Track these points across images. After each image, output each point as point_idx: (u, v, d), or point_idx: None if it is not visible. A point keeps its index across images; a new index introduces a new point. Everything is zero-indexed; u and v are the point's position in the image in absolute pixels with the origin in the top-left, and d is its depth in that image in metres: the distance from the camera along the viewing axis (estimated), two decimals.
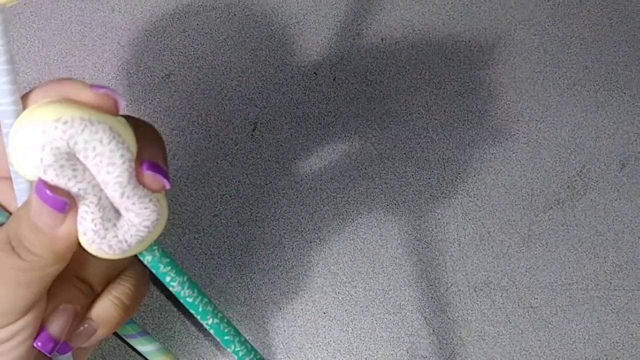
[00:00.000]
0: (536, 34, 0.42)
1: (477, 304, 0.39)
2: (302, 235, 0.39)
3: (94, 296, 0.28)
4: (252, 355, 0.29)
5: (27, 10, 0.41)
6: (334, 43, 0.42)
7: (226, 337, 0.29)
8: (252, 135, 0.40)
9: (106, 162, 0.23)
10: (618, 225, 0.40)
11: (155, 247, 0.26)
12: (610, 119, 0.42)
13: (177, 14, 0.42)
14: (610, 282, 0.39)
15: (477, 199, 0.40)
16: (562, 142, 0.41)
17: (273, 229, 0.39)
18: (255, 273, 0.39)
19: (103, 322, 0.28)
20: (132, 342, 0.33)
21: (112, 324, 0.28)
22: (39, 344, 0.26)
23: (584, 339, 0.38)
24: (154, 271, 0.26)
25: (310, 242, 0.39)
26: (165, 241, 0.39)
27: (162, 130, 0.40)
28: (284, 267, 0.39)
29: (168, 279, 0.26)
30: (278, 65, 0.42)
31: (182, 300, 0.27)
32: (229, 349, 0.29)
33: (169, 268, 0.26)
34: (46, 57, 0.41)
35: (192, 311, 0.27)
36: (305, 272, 0.39)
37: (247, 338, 0.38)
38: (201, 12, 0.42)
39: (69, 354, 0.27)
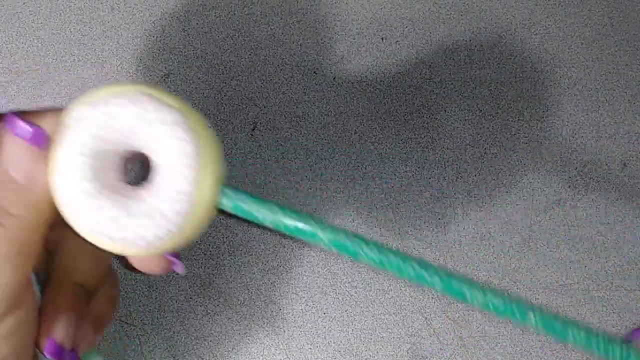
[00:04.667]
0: (537, 33, 0.42)
1: None
2: None
3: (89, 298, 0.28)
4: (383, 254, 0.24)
5: (26, 10, 0.41)
6: (334, 43, 0.42)
7: (351, 247, 0.24)
8: (251, 135, 0.40)
9: None
10: (619, 225, 0.40)
11: (226, 189, 0.24)
12: (612, 119, 0.41)
13: (177, 13, 0.42)
14: (612, 283, 0.39)
15: (478, 199, 0.40)
16: (563, 142, 0.41)
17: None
18: (255, 273, 0.39)
19: (100, 322, 0.28)
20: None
21: (107, 322, 0.28)
22: (48, 354, 0.25)
23: None
24: (242, 216, 0.24)
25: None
26: None
27: None
28: (284, 267, 0.39)
29: (257, 214, 0.24)
30: (278, 65, 0.42)
31: (286, 231, 0.24)
32: (359, 258, 0.25)
33: (252, 203, 0.24)
34: (45, 57, 0.41)
35: (301, 237, 0.24)
36: (305, 272, 0.39)
37: (247, 338, 0.38)
38: (201, 12, 0.42)
39: None
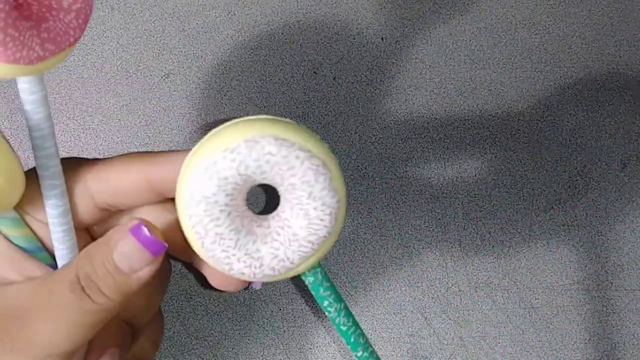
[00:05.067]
0: (537, 33, 0.42)
1: (478, 305, 0.39)
2: None
3: (135, 336, 0.28)
4: None
5: None
6: (334, 43, 0.42)
7: None
8: None
9: (287, 169, 0.23)
10: (619, 225, 0.40)
11: (318, 269, 0.25)
12: (612, 119, 0.41)
13: (177, 13, 0.42)
14: (612, 283, 0.39)
15: (478, 199, 0.40)
16: (563, 142, 0.41)
17: None
18: None
19: None
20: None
21: None
22: None
23: (585, 339, 0.38)
24: (313, 293, 0.26)
25: None
26: None
27: (161, 130, 0.40)
28: None
29: (326, 303, 0.26)
30: (278, 65, 0.42)
31: (335, 327, 0.27)
32: None
33: (329, 293, 0.26)
34: None
35: (343, 339, 0.27)
36: None
37: (247, 338, 0.38)
38: (201, 12, 0.42)
39: None
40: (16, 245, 0.25)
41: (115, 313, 0.25)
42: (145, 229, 0.24)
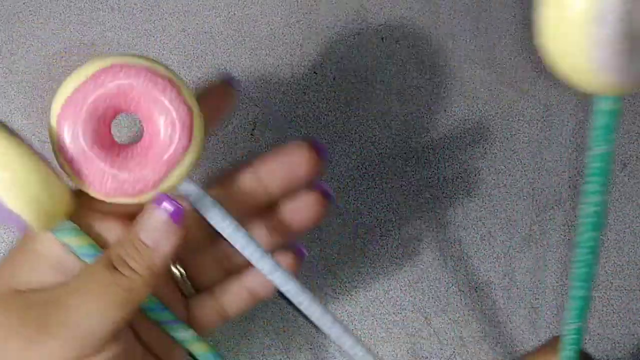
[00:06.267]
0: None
1: (478, 304, 0.39)
2: (301, 235, 0.39)
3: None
4: None
5: (26, 9, 0.41)
6: (334, 43, 0.42)
7: None
8: (252, 135, 0.40)
9: None
10: (619, 225, 0.40)
11: None
12: None
13: (177, 13, 0.42)
14: (612, 283, 0.39)
15: (478, 199, 0.40)
16: (563, 142, 0.41)
17: None
18: None
19: None
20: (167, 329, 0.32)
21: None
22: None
23: (585, 339, 0.38)
24: None
25: (311, 242, 0.39)
26: None
27: None
28: None
29: None
30: (278, 65, 0.42)
31: None
32: None
33: None
34: (45, 57, 0.41)
35: None
36: (305, 272, 0.39)
37: (247, 339, 0.38)
38: (201, 12, 0.42)
39: None
40: (78, 255, 0.26)
41: (145, 293, 0.26)
42: (165, 197, 0.26)
